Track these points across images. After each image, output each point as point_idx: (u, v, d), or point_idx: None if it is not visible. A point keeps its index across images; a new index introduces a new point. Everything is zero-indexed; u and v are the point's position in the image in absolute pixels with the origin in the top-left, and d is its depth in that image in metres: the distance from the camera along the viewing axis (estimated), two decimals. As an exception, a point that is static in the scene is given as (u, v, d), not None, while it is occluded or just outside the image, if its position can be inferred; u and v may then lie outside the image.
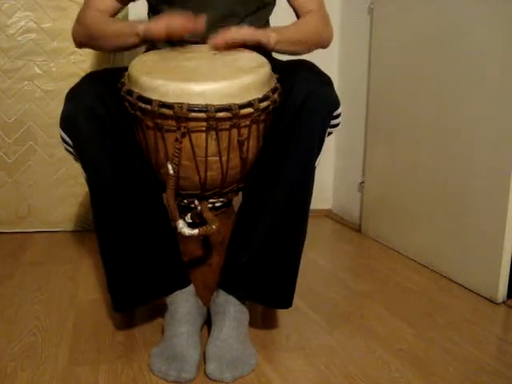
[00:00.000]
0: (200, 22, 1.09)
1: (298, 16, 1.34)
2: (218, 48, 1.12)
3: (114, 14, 1.30)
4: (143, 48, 1.38)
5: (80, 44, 1.29)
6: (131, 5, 1.39)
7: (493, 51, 1.42)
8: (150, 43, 1.22)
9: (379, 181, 1.97)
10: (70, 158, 1.15)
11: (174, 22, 1.08)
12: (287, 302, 1.16)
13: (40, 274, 1.57)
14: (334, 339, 1.21)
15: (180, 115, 0.99)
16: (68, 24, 1.87)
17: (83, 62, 1.90)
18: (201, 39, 1.18)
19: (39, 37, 1.87)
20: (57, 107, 1.85)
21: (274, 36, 1.16)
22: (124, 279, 1.12)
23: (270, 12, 1.36)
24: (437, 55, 1.63)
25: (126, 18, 1.86)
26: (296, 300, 1.21)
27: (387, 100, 1.89)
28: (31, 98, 1.89)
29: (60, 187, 1.95)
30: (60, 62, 1.89)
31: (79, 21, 1.28)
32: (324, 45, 1.33)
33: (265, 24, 1.36)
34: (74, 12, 1.86)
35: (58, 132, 1.11)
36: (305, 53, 1.28)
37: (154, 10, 1.31)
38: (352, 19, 2.11)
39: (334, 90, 1.12)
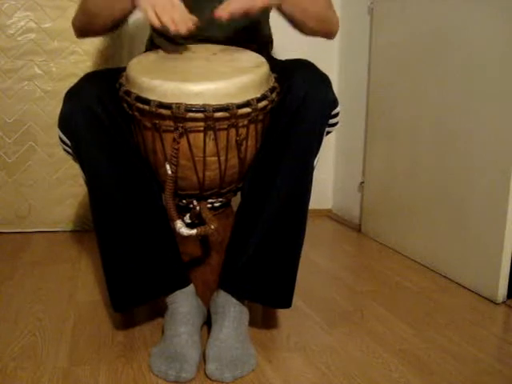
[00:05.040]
0: (187, 25, 1.05)
1: None
2: (222, 18, 1.06)
3: None
4: (143, 48, 1.38)
5: (79, 30, 1.24)
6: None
7: (493, 51, 1.42)
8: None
9: (379, 181, 1.97)
10: (70, 157, 1.15)
11: (164, 17, 1.03)
12: (287, 302, 1.16)
13: (40, 273, 1.57)
14: (334, 339, 1.21)
15: (178, 115, 0.99)
16: (68, 24, 1.86)
17: (83, 61, 1.90)
18: (194, 36, 1.16)
19: (39, 37, 1.87)
20: (57, 107, 1.85)
21: None
22: (123, 279, 1.12)
23: (270, 8, 1.36)
24: (437, 55, 1.63)
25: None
26: (296, 300, 1.21)
27: (387, 100, 1.89)
28: (31, 98, 1.89)
29: (60, 187, 1.95)
30: (60, 62, 1.89)
31: (79, 5, 1.22)
32: (331, 29, 1.25)
33: (265, 19, 1.35)
34: (73, 12, 1.87)
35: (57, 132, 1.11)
36: (309, 28, 1.21)
37: None
38: (352, 19, 2.11)
39: (331, 89, 1.11)
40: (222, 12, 1.06)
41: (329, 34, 1.27)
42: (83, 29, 1.24)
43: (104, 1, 1.15)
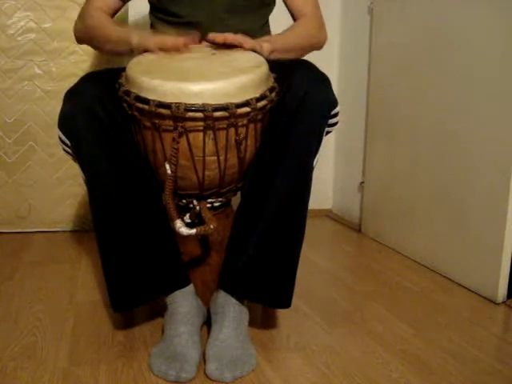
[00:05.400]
0: (193, 40, 1.13)
1: (293, 18, 1.35)
2: (214, 44, 1.13)
3: (114, 11, 1.32)
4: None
5: (79, 40, 1.32)
6: (131, 4, 1.39)
7: (493, 51, 1.42)
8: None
9: (379, 181, 1.97)
10: (70, 157, 1.15)
11: (166, 42, 1.11)
12: (286, 302, 1.16)
13: (40, 273, 1.57)
14: (333, 339, 1.21)
15: (177, 115, 0.99)
16: (68, 24, 1.87)
17: (83, 61, 1.90)
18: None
19: (39, 37, 1.87)
20: (57, 107, 1.82)
21: (268, 46, 1.17)
22: (123, 279, 1.12)
23: (269, 12, 1.37)
24: (437, 55, 1.63)
25: (125, 16, 1.86)
26: (296, 300, 1.21)
27: (387, 100, 1.89)
28: (31, 98, 1.89)
29: (60, 187, 1.95)
30: (60, 62, 1.89)
31: (81, 18, 1.29)
32: (318, 47, 1.35)
33: (264, 24, 1.36)
34: (74, 12, 1.87)
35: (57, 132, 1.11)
36: (300, 56, 1.28)
37: (156, 8, 1.31)
38: (352, 19, 2.11)
39: (331, 88, 1.11)
40: (218, 37, 1.12)
41: (318, 49, 1.36)
42: (82, 40, 1.32)
43: (104, 41, 1.22)
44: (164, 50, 1.11)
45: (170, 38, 1.11)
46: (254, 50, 1.14)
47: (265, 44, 1.16)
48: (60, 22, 1.87)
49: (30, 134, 1.91)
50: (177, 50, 1.11)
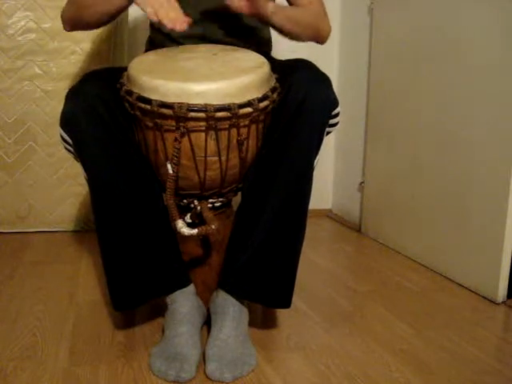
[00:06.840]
0: (183, 23, 1.06)
1: None
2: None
3: None
4: (143, 48, 1.38)
5: (68, 22, 1.26)
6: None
7: (493, 51, 1.42)
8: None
9: (379, 181, 1.97)
10: (71, 157, 1.16)
11: (161, 14, 1.05)
12: (286, 302, 1.16)
13: (40, 273, 1.57)
14: (333, 339, 1.21)
15: (179, 115, 0.99)
16: (68, 24, 1.87)
17: (83, 61, 1.90)
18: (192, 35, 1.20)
19: (39, 37, 1.86)
20: (57, 107, 1.85)
21: (272, 5, 1.16)
22: (124, 279, 1.12)
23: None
24: (437, 55, 1.63)
25: (125, 16, 1.86)
26: (296, 300, 1.21)
27: (387, 100, 1.89)
28: (31, 98, 1.89)
29: (60, 187, 1.95)
30: (60, 62, 1.89)
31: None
32: (322, 36, 1.30)
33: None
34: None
35: (58, 132, 1.11)
36: (301, 38, 1.26)
37: None
38: (352, 19, 2.11)
39: (332, 89, 1.11)
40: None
41: (318, 42, 1.31)
42: (74, 22, 1.25)
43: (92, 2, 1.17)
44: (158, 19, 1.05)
45: (167, 14, 1.05)
46: (259, 11, 1.14)
47: (270, 3, 1.16)
48: (60, 22, 1.85)
49: (29, 134, 1.90)
50: (170, 26, 1.05)
